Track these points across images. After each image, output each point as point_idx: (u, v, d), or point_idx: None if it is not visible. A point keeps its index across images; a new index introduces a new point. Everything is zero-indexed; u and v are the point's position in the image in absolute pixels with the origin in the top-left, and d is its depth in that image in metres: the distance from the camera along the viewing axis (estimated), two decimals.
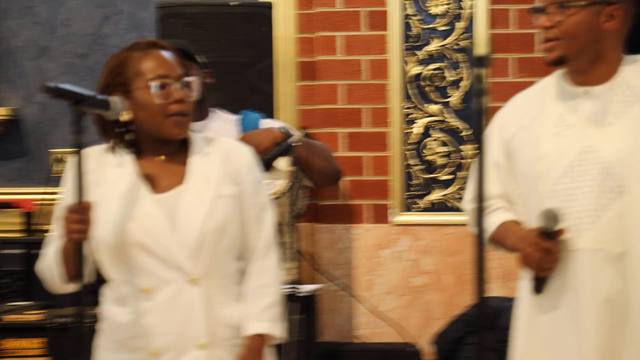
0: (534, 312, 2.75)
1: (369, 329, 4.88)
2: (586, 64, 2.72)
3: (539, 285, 2.68)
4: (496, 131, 2.85)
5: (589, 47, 2.70)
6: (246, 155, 2.80)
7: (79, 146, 2.50)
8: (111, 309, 2.73)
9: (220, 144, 2.80)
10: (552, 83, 2.81)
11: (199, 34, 4.55)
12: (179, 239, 2.66)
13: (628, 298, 2.65)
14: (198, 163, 2.74)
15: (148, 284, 2.68)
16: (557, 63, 2.71)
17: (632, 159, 2.64)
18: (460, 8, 4.82)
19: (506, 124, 2.84)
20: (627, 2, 2.73)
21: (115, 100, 2.63)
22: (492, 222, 2.80)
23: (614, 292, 2.65)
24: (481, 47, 4.64)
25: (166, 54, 2.71)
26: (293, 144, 4.17)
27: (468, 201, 2.92)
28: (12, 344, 4.58)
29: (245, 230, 2.76)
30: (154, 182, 2.74)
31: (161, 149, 2.75)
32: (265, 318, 2.71)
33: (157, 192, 2.72)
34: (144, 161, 2.75)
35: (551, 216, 2.59)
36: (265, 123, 3.98)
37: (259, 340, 2.71)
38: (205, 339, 2.67)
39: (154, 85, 2.65)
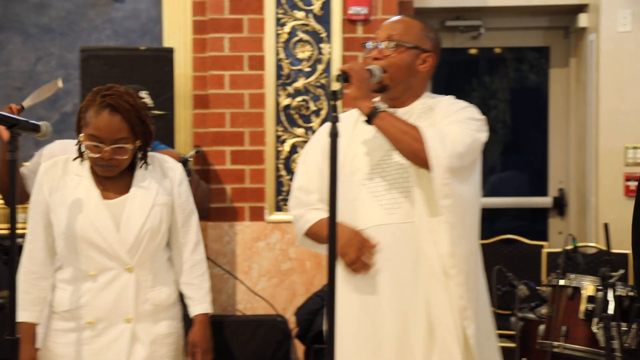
0: (346, 288, 2.74)
1: (248, 304, 4.90)
2: (399, 92, 2.77)
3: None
4: (320, 139, 2.85)
5: (405, 80, 2.76)
6: (178, 171, 2.85)
7: (13, 161, 2.49)
8: (61, 287, 2.77)
9: (158, 160, 2.84)
10: None
11: (114, 72, 4.52)
12: (121, 237, 2.71)
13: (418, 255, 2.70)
14: (142, 176, 2.78)
15: (92, 270, 2.73)
16: (381, 90, 2.73)
17: None
18: (321, 54, 4.88)
19: (318, 137, 2.86)
20: (435, 53, 2.83)
21: (47, 124, 2.63)
22: (314, 217, 2.80)
23: (409, 254, 2.69)
24: (335, 84, 4.76)
25: (111, 119, 2.66)
26: (189, 159, 4.29)
27: (296, 188, 2.85)
28: None
29: (175, 230, 2.83)
30: (104, 190, 2.77)
31: None
32: (207, 300, 2.86)
33: (107, 199, 2.75)
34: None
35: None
36: (160, 146, 3.97)
37: (205, 317, 2.85)
38: (132, 314, 2.74)
39: (87, 143, 2.69)
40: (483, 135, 2.73)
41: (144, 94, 3.75)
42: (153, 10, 5.18)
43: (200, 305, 2.85)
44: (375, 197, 2.73)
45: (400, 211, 2.70)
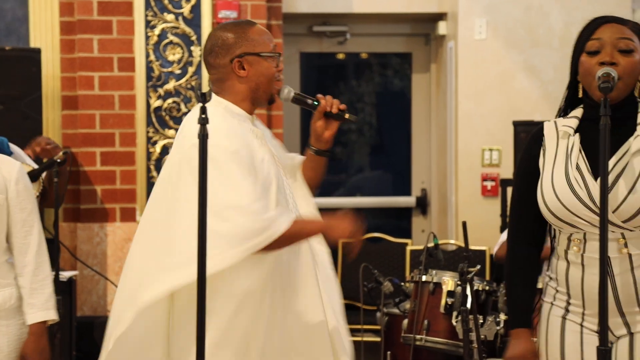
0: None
1: None
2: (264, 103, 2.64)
3: None
4: (243, 147, 2.51)
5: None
6: (15, 170, 2.69)
7: None
8: None
9: None
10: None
11: None
12: None
13: None
14: None
15: None
16: (270, 102, 2.63)
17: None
18: (191, 56, 4.86)
19: (244, 142, 2.52)
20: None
21: None
22: (289, 218, 2.44)
23: None
24: (205, 86, 4.72)
25: None
26: (57, 160, 4.15)
27: (256, 200, 2.42)
28: None
29: (14, 230, 2.68)
30: None
31: None
32: (48, 307, 2.67)
33: None
34: None
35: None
36: (12, 146, 3.83)
37: (42, 326, 2.67)
38: None
39: None
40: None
41: None
42: (19, 10, 4.99)
43: (40, 312, 2.67)
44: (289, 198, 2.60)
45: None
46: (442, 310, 3.59)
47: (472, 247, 3.70)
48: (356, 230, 2.52)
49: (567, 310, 2.32)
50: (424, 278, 3.68)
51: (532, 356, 2.35)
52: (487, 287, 3.64)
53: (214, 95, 2.52)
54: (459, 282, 3.52)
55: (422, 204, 6.03)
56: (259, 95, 2.56)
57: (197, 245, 2.14)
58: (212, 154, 2.22)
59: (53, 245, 3.67)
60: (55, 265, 3.65)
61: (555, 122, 2.36)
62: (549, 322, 2.35)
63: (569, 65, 2.36)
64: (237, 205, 2.38)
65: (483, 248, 5.02)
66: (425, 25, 5.94)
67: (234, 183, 2.41)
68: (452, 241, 5.29)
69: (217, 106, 2.52)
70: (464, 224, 3.44)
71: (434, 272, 3.68)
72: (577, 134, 2.31)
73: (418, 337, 3.60)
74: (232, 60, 2.52)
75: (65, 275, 4.17)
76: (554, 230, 2.36)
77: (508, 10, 5.45)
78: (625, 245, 2.23)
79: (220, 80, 2.56)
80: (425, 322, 3.60)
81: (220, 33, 2.55)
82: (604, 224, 2.07)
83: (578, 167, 2.27)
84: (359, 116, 6.20)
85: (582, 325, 2.30)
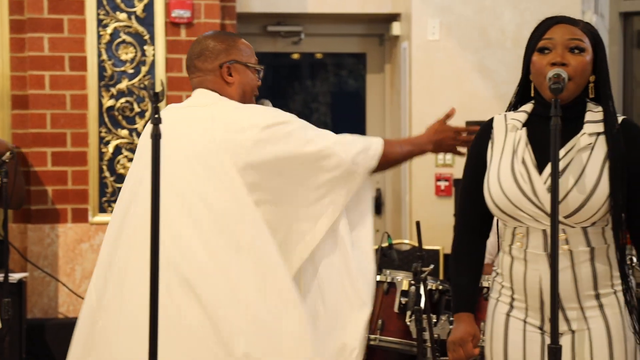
0: None
1: (70, 307, 4.76)
2: None
3: None
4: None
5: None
6: None
7: None
8: None
9: None
10: None
11: None
12: None
13: None
14: None
15: None
16: None
17: None
18: (144, 56, 4.81)
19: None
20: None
21: None
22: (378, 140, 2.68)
23: None
24: (158, 86, 4.70)
25: None
26: (6, 160, 4.09)
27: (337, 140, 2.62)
28: None
29: None
30: None
31: None
32: None
33: None
34: None
35: None
36: None
37: None
38: None
39: None
40: None
41: None
42: None
43: None
44: None
45: None
46: (396, 309, 3.60)
47: (425, 246, 3.72)
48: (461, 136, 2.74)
49: (511, 306, 2.35)
50: (378, 278, 3.68)
51: (472, 338, 2.38)
52: (440, 287, 3.66)
53: (215, 94, 2.57)
54: (412, 282, 3.52)
55: (377, 204, 6.05)
56: (244, 102, 2.60)
57: (150, 232, 2.12)
58: (276, 133, 2.46)
59: (2, 247, 3.62)
60: (5, 267, 3.60)
61: (505, 116, 2.39)
62: (494, 320, 2.37)
63: (521, 66, 2.38)
64: (335, 139, 2.57)
65: (437, 247, 5.05)
66: (379, 26, 5.95)
67: (314, 130, 2.55)
68: (406, 241, 5.31)
69: (230, 100, 2.58)
70: (418, 224, 3.45)
71: (388, 271, 3.69)
72: (525, 128, 2.33)
73: (372, 336, 3.60)
74: (221, 66, 2.57)
75: (15, 277, 4.10)
76: (500, 224, 2.38)
77: (461, 11, 5.49)
78: (567, 242, 2.26)
79: (206, 82, 2.59)
80: (380, 321, 3.60)
81: (210, 40, 2.60)
82: (554, 225, 2.09)
83: (524, 161, 2.29)
84: (313, 116, 6.19)
85: (525, 322, 2.32)
